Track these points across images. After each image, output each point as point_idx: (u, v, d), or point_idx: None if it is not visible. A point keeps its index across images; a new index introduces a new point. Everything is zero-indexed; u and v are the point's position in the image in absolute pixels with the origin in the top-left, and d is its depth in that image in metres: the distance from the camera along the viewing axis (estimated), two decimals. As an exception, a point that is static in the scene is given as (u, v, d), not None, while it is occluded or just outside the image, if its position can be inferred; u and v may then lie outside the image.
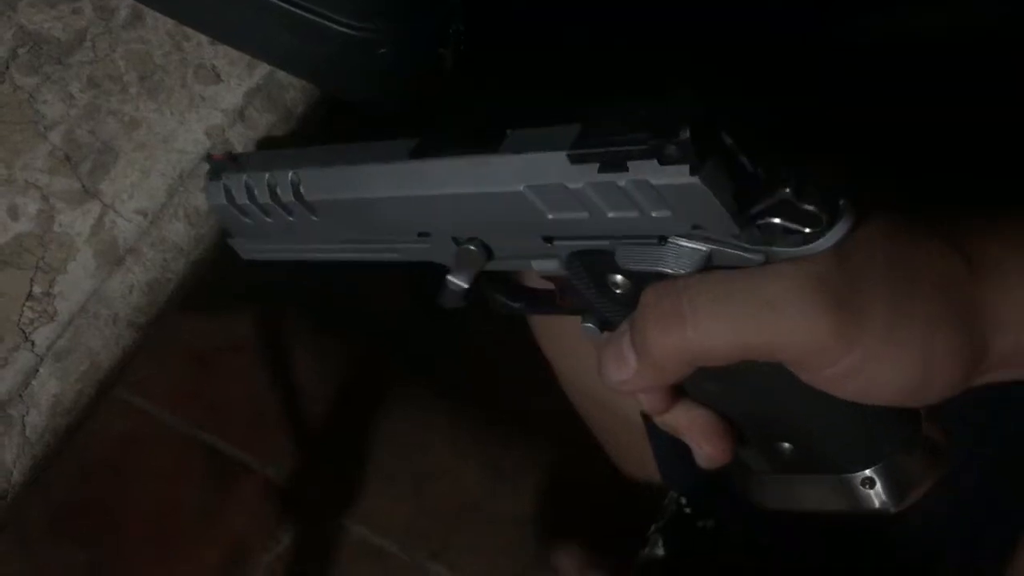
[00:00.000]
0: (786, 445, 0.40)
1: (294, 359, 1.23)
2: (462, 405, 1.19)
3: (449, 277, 0.41)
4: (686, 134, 0.31)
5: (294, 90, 0.50)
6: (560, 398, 0.78)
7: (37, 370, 0.44)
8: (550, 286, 0.42)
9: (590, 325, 0.41)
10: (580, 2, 0.60)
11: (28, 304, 0.45)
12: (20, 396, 0.44)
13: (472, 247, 0.40)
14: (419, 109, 0.49)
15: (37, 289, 0.45)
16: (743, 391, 0.39)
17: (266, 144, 0.49)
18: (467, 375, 1.19)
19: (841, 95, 0.58)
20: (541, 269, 0.40)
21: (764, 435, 0.40)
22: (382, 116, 0.49)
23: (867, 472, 0.39)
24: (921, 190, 0.38)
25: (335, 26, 0.44)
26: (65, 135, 0.47)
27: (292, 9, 0.44)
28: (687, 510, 0.65)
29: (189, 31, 0.49)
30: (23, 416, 0.44)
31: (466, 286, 0.41)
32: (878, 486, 0.38)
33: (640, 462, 0.69)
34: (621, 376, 0.37)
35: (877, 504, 0.39)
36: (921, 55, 0.58)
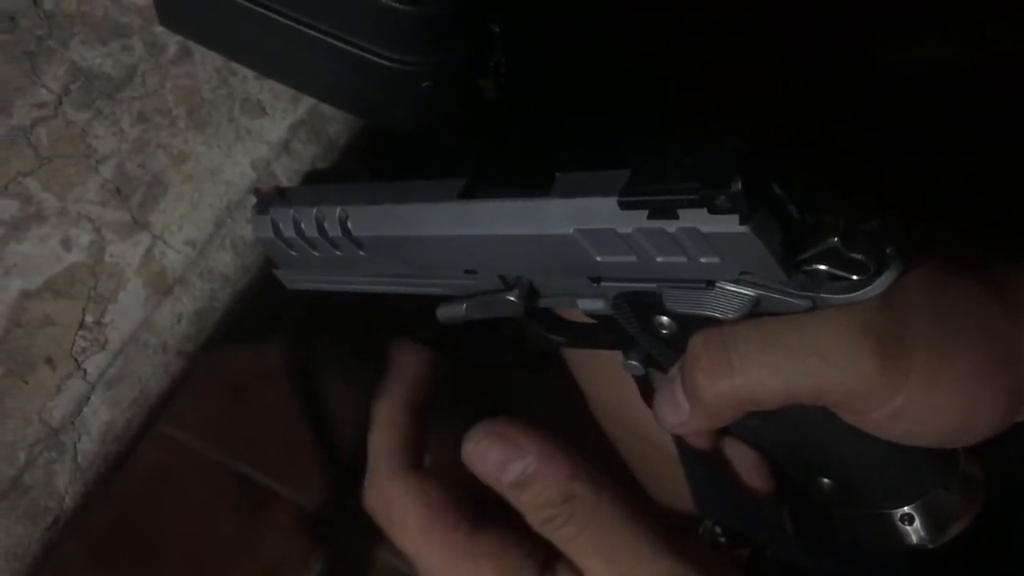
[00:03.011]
0: (826, 480, 0.40)
1: (326, 388, 1.24)
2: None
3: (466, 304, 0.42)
4: (738, 185, 0.31)
5: (337, 123, 0.51)
6: (585, 430, 0.78)
7: (89, 398, 0.45)
8: (591, 320, 0.42)
9: (634, 362, 0.41)
10: (618, 35, 0.61)
11: (80, 333, 0.46)
12: (72, 423, 0.45)
13: (512, 298, 0.41)
14: (461, 140, 0.50)
15: (89, 318, 0.46)
16: (786, 429, 0.39)
17: (311, 176, 0.50)
18: (495, 404, 1.19)
19: (873, 133, 0.59)
20: (587, 308, 0.41)
21: (805, 470, 0.41)
22: (424, 147, 0.50)
23: (906, 508, 0.39)
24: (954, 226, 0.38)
25: (378, 60, 0.44)
26: (116, 168, 0.48)
27: (336, 44, 0.45)
28: (722, 539, 0.65)
29: (235, 66, 0.51)
30: (75, 443, 0.45)
31: (463, 313, 0.42)
32: (917, 522, 0.39)
33: (674, 490, 0.69)
34: (676, 420, 0.38)
35: (915, 540, 0.39)
36: (950, 93, 0.58)
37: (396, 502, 0.38)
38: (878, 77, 0.60)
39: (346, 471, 1.21)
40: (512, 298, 0.41)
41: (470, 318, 0.42)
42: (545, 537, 0.36)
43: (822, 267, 0.33)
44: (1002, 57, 0.59)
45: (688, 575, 0.34)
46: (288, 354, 1.24)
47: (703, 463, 0.52)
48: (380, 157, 0.54)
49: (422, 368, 0.42)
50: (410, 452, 0.40)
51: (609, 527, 0.35)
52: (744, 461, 0.42)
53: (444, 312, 0.43)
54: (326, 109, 0.51)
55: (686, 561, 0.34)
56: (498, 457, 0.37)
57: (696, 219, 0.33)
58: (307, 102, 0.51)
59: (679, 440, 0.56)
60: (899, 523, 0.39)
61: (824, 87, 0.61)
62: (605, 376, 0.71)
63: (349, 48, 0.45)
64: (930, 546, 0.39)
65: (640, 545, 0.35)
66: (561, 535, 0.36)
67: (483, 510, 0.38)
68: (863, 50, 0.61)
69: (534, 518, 0.36)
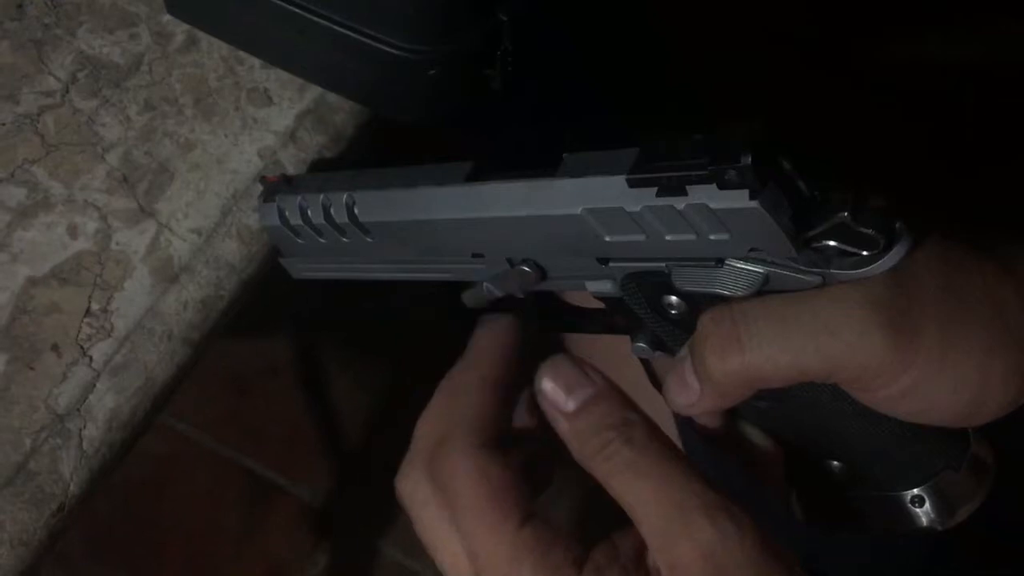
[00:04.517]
0: (835, 463, 0.40)
1: (331, 383, 1.24)
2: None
3: (486, 283, 0.41)
4: (747, 159, 0.31)
5: (344, 112, 0.51)
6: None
7: (94, 385, 0.45)
8: (599, 304, 0.42)
9: (642, 345, 0.41)
10: (628, 29, 0.61)
11: (86, 320, 0.46)
12: (78, 410, 0.45)
13: (526, 268, 0.41)
14: (468, 129, 0.50)
15: (95, 306, 0.46)
16: (795, 409, 0.39)
17: (317, 165, 0.50)
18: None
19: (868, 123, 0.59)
20: (596, 290, 0.40)
21: (814, 453, 0.41)
22: (431, 136, 0.50)
23: (916, 490, 0.39)
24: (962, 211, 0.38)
25: (385, 48, 0.44)
26: (123, 156, 0.48)
27: (343, 32, 0.45)
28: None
29: (243, 55, 0.51)
30: (80, 430, 0.45)
31: (498, 295, 0.41)
32: (927, 504, 0.39)
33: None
34: (686, 400, 0.38)
35: (925, 522, 0.39)
36: (946, 85, 0.58)
37: (459, 477, 0.37)
38: (886, 74, 0.60)
39: (351, 466, 1.21)
40: (527, 268, 0.41)
41: (492, 297, 0.42)
42: (596, 470, 0.36)
43: (832, 243, 0.33)
44: (1008, 53, 0.59)
45: (746, 521, 0.33)
46: (293, 349, 1.24)
47: (709, 452, 0.52)
48: (387, 147, 0.54)
49: (502, 344, 0.42)
50: (484, 427, 0.39)
51: (666, 458, 0.35)
52: (753, 444, 0.42)
53: (469, 297, 0.43)
54: (333, 98, 0.51)
55: (741, 510, 0.34)
56: (568, 380, 0.38)
57: (705, 195, 0.33)
58: (314, 91, 0.51)
59: (684, 430, 0.56)
60: (909, 505, 0.39)
61: (833, 83, 0.60)
62: (608, 366, 0.70)
63: (356, 36, 0.45)
64: (940, 528, 0.39)
65: (697, 489, 0.34)
66: (617, 462, 0.35)
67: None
68: (872, 46, 0.61)
69: (590, 446, 0.36)
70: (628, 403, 0.37)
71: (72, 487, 0.44)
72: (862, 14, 0.61)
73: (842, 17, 0.61)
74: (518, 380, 0.41)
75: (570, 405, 0.37)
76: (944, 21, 0.60)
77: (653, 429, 0.36)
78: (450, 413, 0.39)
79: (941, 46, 0.61)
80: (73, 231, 0.47)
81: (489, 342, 0.41)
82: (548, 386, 0.38)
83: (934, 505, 0.38)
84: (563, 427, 0.38)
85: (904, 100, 0.60)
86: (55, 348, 0.45)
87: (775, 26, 0.61)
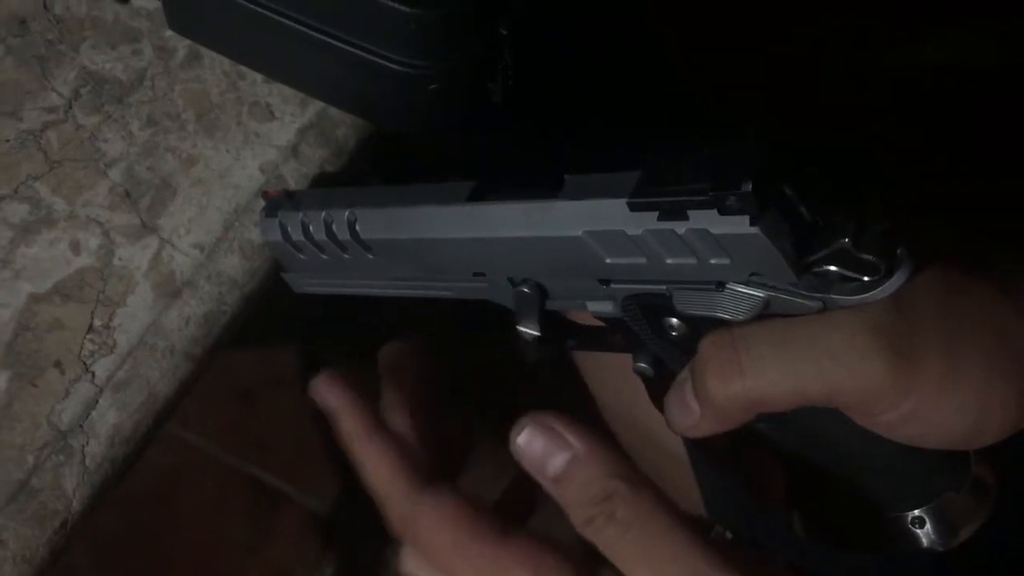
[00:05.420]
0: (836, 483, 0.40)
1: (336, 392, 1.23)
2: (503, 438, 1.19)
3: (520, 328, 0.41)
4: (748, 187, 0.31)
5: (345, 126, 0.51)
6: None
7: (97, 401, 0.45)
8: (600, 323, 0.42)
9: (643, 365, 0.41)
10: (625, 31, 0.61)
11: (89, 336, 0.46)
12: (81, 426, 0.45)
13: (527, 289, 0.41)
14: (469, 142, 0.50)
15: (97, 322, 0.46)
16: (796, 431, 0.39)
17: (319, 179, 0.50)
18: (507, 409, 1.19)
19: (865, 128, 0.58)
20: (596, 311, 0.41)
21: (815, 473, 0.40)
22: (432, 149, 0.50)
23: (917, 512, 0.39)
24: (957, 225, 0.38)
25: (386, 63, 0.44)
26: (125, 172, 0.49)
27: (344, 47, 0.45)
28: (733, 544, 0.64)
29: (244, 70, 0.51)
30: (83, 446, 0.45)
31: (537, 333, 0.41)
32: (928, 526, 0.38)
33: (684, 495, 0.68)
34: (687, 423, 0.38)
35: (926, 543, 0.39)
36: (946, 86, 0.58)
37: (419, 526, 0.37)
38: (885, 75, 0.60)
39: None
40: (528, 289, 0.40)
41: (532, 337, 0.42)
42: (589, 541, 0.35)
43: (833, 268, 0.33)
44: (1008, 53, 0.59)
45: None
46: (298, 358, 1.24)
47: (714, 467, 0.52)
48: (388, 160, 0.54)
49: (407, 371, 0.42)
50: (416, 468, 0.39)
51: (654, 531, 0.34)
52: (755, 464, 0.42)
53: (530, 354, 0.43)
54: (334, 112, 0.51)
55: (741, 573, 0.33)
56: (541, 449, 0.36)
57: (706, 220, 0.33)
58: (315, 106, 0.51)
59: (690, 444, 0.56)
60: (910, 526, 0.39)
61: (832, 85, 0.60)
62: (615, 381, 0.70)
63: (357, 52, 0.45)
64: (940, 549, 0.38)
65: (690, 554, 0.33)
66: (604, 538, 0.34)
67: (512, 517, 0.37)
68: (871, 48, 0.61)
69: (576, 518, 0.35)
70: (608, 466, 0.35)
71: (75, 503, 0.44)
72: (861, 16, 0.61)
73: (841, 19, 0.61)
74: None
75: (548, 473, 0.36)
76: (944, 22, 0.60)
77: (637, 496, 0.34)
78: (379, 473, 0.39)
79: (941, 47, 0.60)
80: (76, 247, 0.47)
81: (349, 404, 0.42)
82: (524, 449, 0.37)
83: (935, 526, 0.38)
84: (550, 492, 0.36)
85: (904, 102, 0.60)
86: (58, 364, 0.45)
87: (773, 28, 0.61)
